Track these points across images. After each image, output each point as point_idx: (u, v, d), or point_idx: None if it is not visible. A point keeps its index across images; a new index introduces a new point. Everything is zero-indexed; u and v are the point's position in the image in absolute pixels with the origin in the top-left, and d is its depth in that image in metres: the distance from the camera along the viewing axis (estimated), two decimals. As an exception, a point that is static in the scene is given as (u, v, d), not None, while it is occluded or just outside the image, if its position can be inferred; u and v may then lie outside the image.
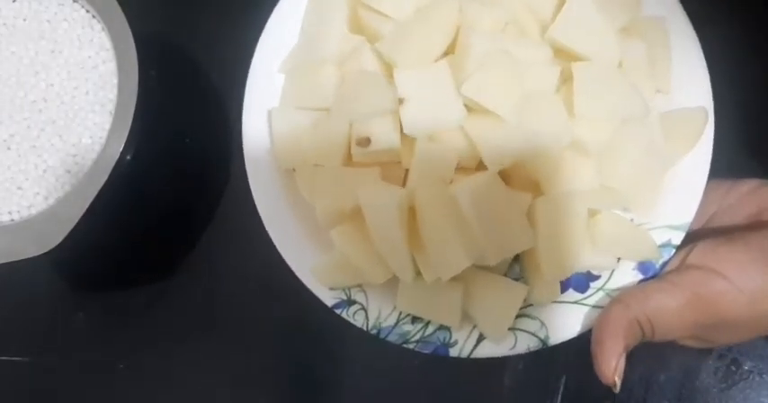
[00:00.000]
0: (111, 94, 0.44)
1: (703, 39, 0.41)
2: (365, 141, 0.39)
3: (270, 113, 0.43)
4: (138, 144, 0.43)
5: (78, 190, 0.42)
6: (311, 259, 0.41)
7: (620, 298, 0.38)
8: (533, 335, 0.39)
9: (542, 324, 0.40)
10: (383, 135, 0.39)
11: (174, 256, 0.51)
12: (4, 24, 0.46)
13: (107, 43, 0.45)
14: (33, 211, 0.44)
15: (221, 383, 0.49)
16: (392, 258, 0.38)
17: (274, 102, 0.44)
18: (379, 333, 0.40)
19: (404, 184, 0.40)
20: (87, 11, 0.46)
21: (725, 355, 0.46)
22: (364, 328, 0.40)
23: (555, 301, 0.40)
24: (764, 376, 0.46)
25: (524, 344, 0.39)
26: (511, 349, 0.39)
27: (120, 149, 0.42)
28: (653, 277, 0.39)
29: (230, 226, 0.51)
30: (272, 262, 0.50)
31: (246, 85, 0.43)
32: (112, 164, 0.42)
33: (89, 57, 0.45)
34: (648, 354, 0.46)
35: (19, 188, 0.44)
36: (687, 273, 0.38)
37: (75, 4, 0.46)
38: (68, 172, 0.44)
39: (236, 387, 0.49)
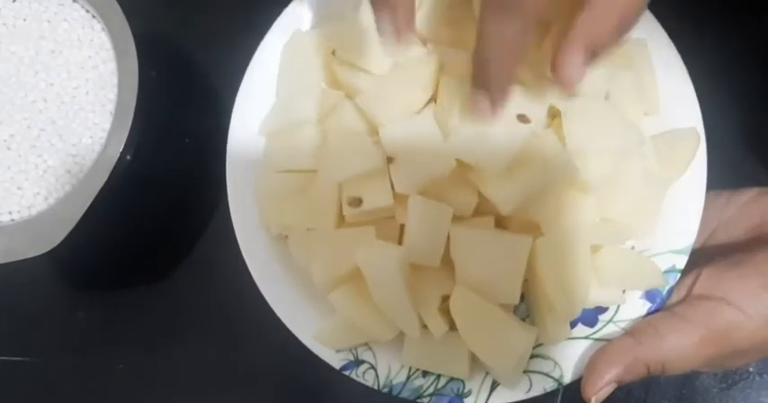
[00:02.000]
0: (111, 94, 0.44)
1: (683, 53, 0.41)
2: (356, 201, 0.38)
3: (255, 180, 0.42)
4: (138, 144, 0.43)
5: (78, 190, 0.42)
6: (313, 323, 0.40)
7: (631, 332, 0.38)
8: (547, 375, 0.39)
9: (555, 363, 0.39)
10: (375, 194, 0.38)
11: (174, 256, 0.51)
12: (4, 24, 0.46)
13: (107, 43, 0.45)
14: (33, 211, 0.44)
15: (221, 384, 0.49)
16: (397, 316, 0.37)
17: (258, 165, 0.42)
18: (390, 391, 0.40)
19: (400, 240, 0.39)
20: (87, 11, 0.46)
21: (725, 355, 0.46)
22: (375, 387, 0.40)
23: (566, 341, 0.39)
24: (764, 376, 0.46)
25: (540, 387, 0.39)
26: (527, 392, 0.39)
27: (120, 149, 0.42)
28: (660, 304, 0.39)
29: (230, 225, 0.51)
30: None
31: (227, 150, 0.42)
32: (112, 164, 0.42)
33: (89, 57, 0.45)
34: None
35: (19, 188, 0.44)
36: (697, 305, 0.37)
37: (75, 4, 0.46)
38: (68, 172, 0.44)
39: (235, 387, 0.49)
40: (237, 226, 0.42)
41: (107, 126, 0.43)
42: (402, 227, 0.39)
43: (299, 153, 0.41)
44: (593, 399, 0.36)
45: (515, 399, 0.39)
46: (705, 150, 0.39)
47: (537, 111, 0.37)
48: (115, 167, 0.41)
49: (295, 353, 0.49)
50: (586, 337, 0.39)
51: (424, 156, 0.37)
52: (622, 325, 0.39)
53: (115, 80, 0.44)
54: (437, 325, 0.38)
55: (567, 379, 0.39)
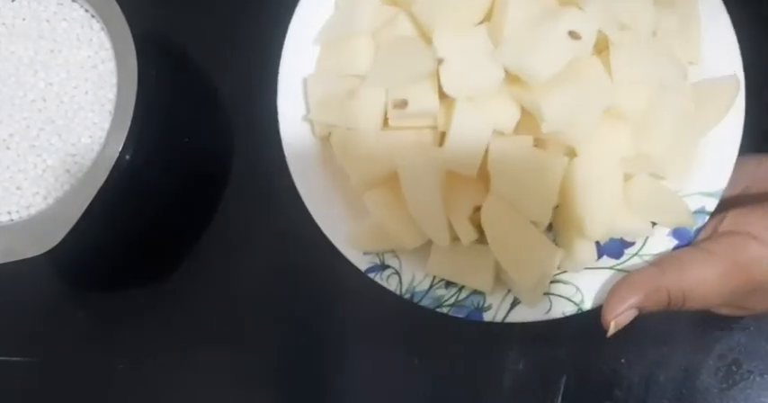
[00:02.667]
0: (110, 93, 0.44)
1: (730, 8, 0.41)
2: (402, 103, 0.39)
3: (305, 81, 0.43)
4: (137, 144, 0.43)
5: (77, 189, 0.42)
6: (345, 225, 0.41)
7: (656, 262, 0.39)
8: (568, 299, 0.39)
9: (577, 289, 0.40)
10: (421, 97, 0.39)
11: (174, 256, 0.51)
12: (3, 24, 0.46)
13: (106, 43, 0.45)
14: (32, 211, 0.43)
15: (221, 384, 0.49)
16: (428, 222, 0.38)
17: (309, 72, 0.44)
18: (412, 297, 0.40)
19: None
20: (86, 10, 0.46)
21: (725, 355, 0.46)
22: (397, 293, 0.41)
23: (589, 267, 0.40)
24: (765, 376, 0.46)
25: (559, 309, 0.39)
26: (546, 313, 0.39)
27: (120, 149, 0.42)
28: (687, 243, 0.39)
29: (230, 226, 0.51)
30: (271, 263, 0.50)
31: (282, 55, 0.43)
32: (112, 163, 0.41)
33: (88, 56, 0.45)
34: (648, 355, 0.47)
35: (18, 188, 0.44)
36: (722, 239, 0.38)
37: (74, 3, 0.46)
38: (67, 171, 0.44)
39: (236, 387, 0.49)
40: (283, 126, 0.42)
41: (106, 125, 0.43)
42: (443, 136, 0.39)
43: (351, 59, 0.42)
44: (612, 323, 0.37)
45: (534, 318, 0.39)
46: (744, 97, 0.40)
47: (587, 31, 0.37)
48: (114, 167, 0.41)
49: (301, 354, 0.49)
50: (610, 268, 0.40)
51: (473, 62, 0.38)
52: (647, 259, 0.39)
53: (114, 79, 0.44)
54: (467, 232, 0.38)
55: (588, 305, 0.39)
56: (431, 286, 0.41)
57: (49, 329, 0.51)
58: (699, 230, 0.40)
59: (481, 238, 0.39)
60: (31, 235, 0.42)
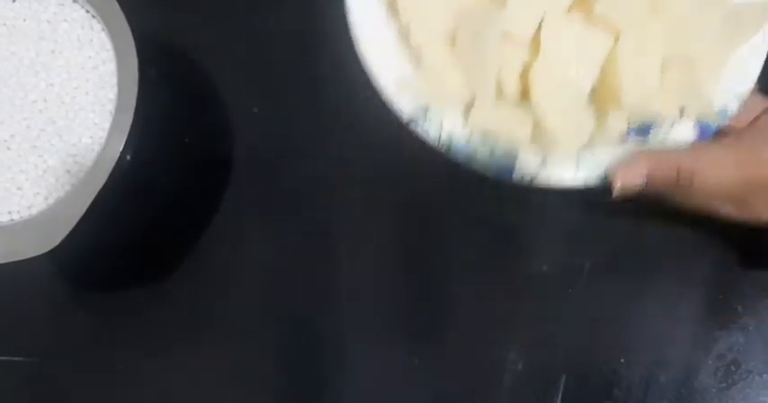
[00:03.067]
0: (110, 93, 0.44)
1: None
2: None
3: None
4: (138, 144, 0.43)
5: (78, 190, 0.42)
6: (395, 73, 0.43)
7: (673, 146, 0.41)
8: (594, 169, 0.41)
9: (602, 161, 0.42)
10: None
11: (174, 257, 0.51)
12: (4, 24, 0.46)
13: (107, 43, 0.45)
14: (33, 211, 0.44)
15: (221, 384, 0.49)
16: (478, 76, 0.41)
17: None
18: (449, 149, 0.42)
19: None
20: (87, 11, 0.46)
21: (724, 355, 0.46)
22: (435, 143, 0.42)
23: (616, 144, 0.42)
24: (764, 376, 0.46)
25: (584, 176, 0.41)
26: (573, 177, 0.41)
27: (120, 149, 0.42)
28: (708, 136, 0.42)
29: (230, 226, 0.51)
30: (271, 263, 0.50)
31: None
32: (112, 164, 0.41)
33: (89, 57, 0.45)
34: (648, 355, 0.47)
35: (19, 188, 0.44)
36: (741, 137, 0.41)
37: (75, 4, 0.46)
38: (68, 172, 0.44)
39: (236, 388, 0.49)
40: None
41: (107, 126, 0.43)
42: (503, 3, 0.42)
43: None
44: (618, 184, 0.39)
45: (561, 184, 0.42)
46: None
47: None
48: (115, 167, 0.41)
49: (300, 355, 0.49)
50: (635, 146, 0.42)
51: None
52: (670, 145, 0.42)
53: (115, 80, 0.44)
54: (514, 88, 0.41)
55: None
56: (467, 142, 0.42)
57: (49, 329, 0.51)
58: (718, 129, 0.42)
59: (524, 97, 0.41)
60: (31, 235, 0.42)
